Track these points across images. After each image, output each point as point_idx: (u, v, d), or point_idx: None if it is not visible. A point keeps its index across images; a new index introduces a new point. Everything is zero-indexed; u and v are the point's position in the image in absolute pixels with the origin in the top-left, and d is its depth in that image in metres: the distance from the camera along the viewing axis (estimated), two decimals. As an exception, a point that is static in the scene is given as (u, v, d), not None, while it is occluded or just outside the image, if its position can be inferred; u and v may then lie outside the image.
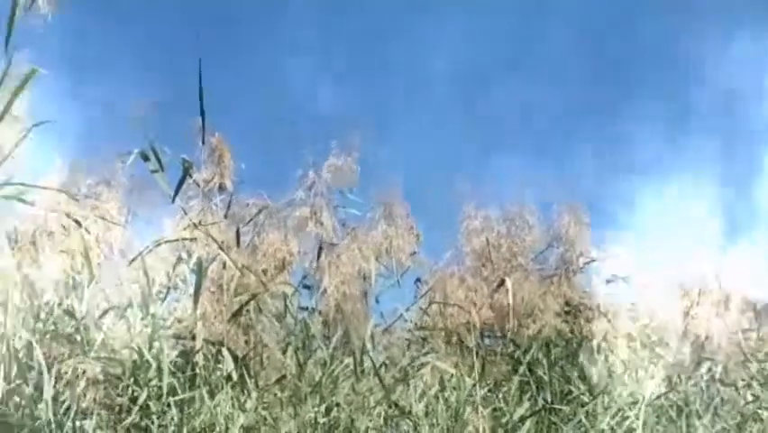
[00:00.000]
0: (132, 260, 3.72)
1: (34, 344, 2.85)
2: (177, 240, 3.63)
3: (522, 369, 3.60)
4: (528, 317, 3.82)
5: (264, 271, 4.29)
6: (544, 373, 3.71)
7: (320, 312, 4.63)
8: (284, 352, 3.93)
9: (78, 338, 3.03)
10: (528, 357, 3.66)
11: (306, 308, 4.53)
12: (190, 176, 4.07)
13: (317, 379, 3.35)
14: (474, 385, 3.50)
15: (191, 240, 3.65)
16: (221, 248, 3.47)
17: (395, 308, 5.18)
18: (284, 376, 3.59)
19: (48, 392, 2.79)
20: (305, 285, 4.90)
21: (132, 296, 3.56)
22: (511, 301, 3.78)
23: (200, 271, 3.30)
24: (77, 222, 3.38)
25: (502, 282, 3.92)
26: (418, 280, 5.39)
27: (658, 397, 4.25)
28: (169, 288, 4.15)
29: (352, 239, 4.76)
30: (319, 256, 4.67)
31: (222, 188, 4.39)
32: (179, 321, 3.57)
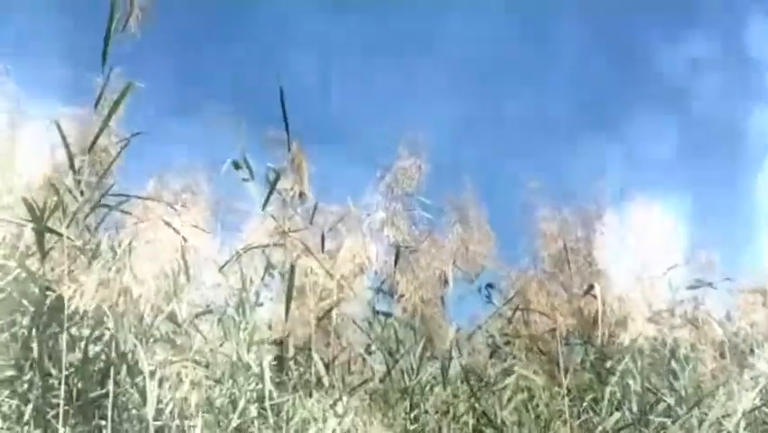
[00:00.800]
0: (224, 265, 3.84)
1: (138, 348, 2.96)
2: (267, 246, 3.71)
3: (614, 379, 3.51)
4: (618, 325, 3.72)
5: (342, 276, 4.34)
6: (635, 383, 3.61)
7: (394, 316, 4.66)
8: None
9: (179, 342, 3.13)
10: (621, 367, 3.56)
11: (387, 314, 4.56)
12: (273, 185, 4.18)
13: (406, 385, 3.36)
14: (564, 397, 3.43)
15: (280, 246, 3.73)
16: (311, 254, 3.52)
17: (469, 313, 5.17)
18: (368, 380, 3.62)
19: (152, 395, 2.89)
20: (380, 289, 4.95)
21: (227, 300, 3.66)
22: (601, 308, 3.69)
23: (292, 277, 3.36)
24: (175, 230, 3.50)
25: (590, 288, 3.83)
26: (490, 285, 5.35)
27: (753, 409, 4.06)
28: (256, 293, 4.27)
29: (429, 243, 4.76)
30: (397, 261, 4.70)
31: (302, 195, 4.48)
32: (269, 326, 3.64)
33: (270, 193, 3.66)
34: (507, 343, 4.39)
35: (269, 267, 3.79)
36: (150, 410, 2.82)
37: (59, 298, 2.83)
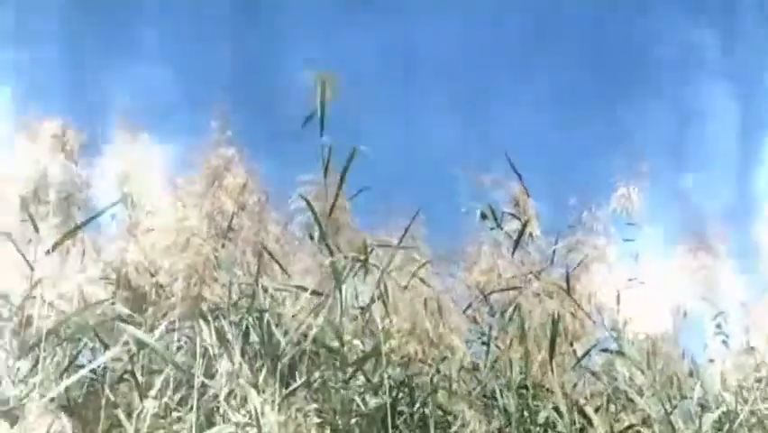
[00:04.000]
0: (466, 308, 3.99)
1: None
2: (514, 288, 3.77)
3: None
4: None
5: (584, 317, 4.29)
6: None
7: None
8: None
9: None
10: None
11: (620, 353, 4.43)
12: (500, 227, 4.27)
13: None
14: None
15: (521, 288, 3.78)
16: (572, 298, 3.54)
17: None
18: (634, 426, 3.53)
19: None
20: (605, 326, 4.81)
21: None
22: None
23: (555, 324, 3.38)
24: (422, 280, 3.69)
25: None
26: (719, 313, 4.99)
27: None
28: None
29: (662, 273, 4.57)
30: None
31: (531, 235, 4.51)
32: (520, 372, 3.68)
33: (518, 241, 3.73)
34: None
35: (516, 311, 3.84)
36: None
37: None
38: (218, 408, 3.18)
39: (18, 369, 3.31)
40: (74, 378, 3.10)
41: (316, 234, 4.24)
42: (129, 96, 4.62)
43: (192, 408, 3.14)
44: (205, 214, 4.31)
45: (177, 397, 3.40)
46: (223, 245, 4.16)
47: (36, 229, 3.73)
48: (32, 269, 3.57)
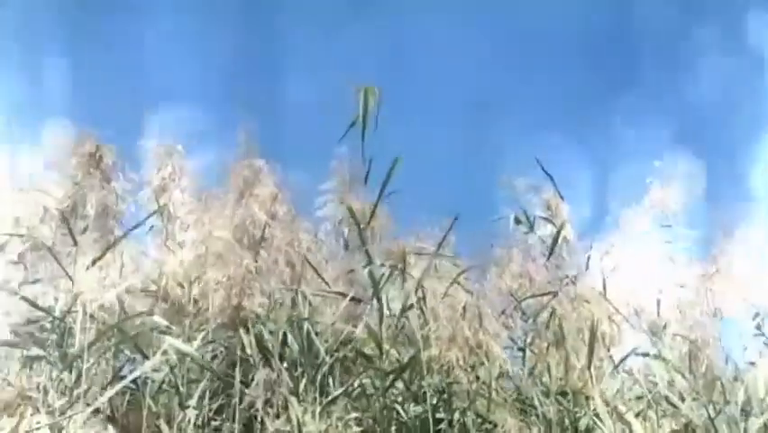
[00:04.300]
0: (501, 313, 3.96)
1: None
2: (549, 294, 3.74)
3: None
4: None
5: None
6: None
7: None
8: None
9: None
10: None
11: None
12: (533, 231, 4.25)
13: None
14: None
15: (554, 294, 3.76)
16: (609, 302, 3.50)
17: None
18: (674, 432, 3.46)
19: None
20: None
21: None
22: None
23: (593, 329, 3.34)
24: (463, 288, 3.67)
25: None
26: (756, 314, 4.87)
27: None
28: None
29: (700, 277, 4.50)
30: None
31: (565, 240, 4.47)
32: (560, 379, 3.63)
33: (554, 246, 3.70)
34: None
35: (553, 316, 3.80)
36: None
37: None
38: (257, 416, 3.20)
39: (62, 380, 3.37)
40: (116, 388, 3.15)
41: (353, 242, 4.28)
42: (159, 107, 4.65)
43: (231, 417, 3.17)
44: (238, 224, 4.37)
45: (215, 406, 3.43)
46: (257, 256, 4.21)
47: (75, 243, 3.81)
48: (72, 282, 3.65)
